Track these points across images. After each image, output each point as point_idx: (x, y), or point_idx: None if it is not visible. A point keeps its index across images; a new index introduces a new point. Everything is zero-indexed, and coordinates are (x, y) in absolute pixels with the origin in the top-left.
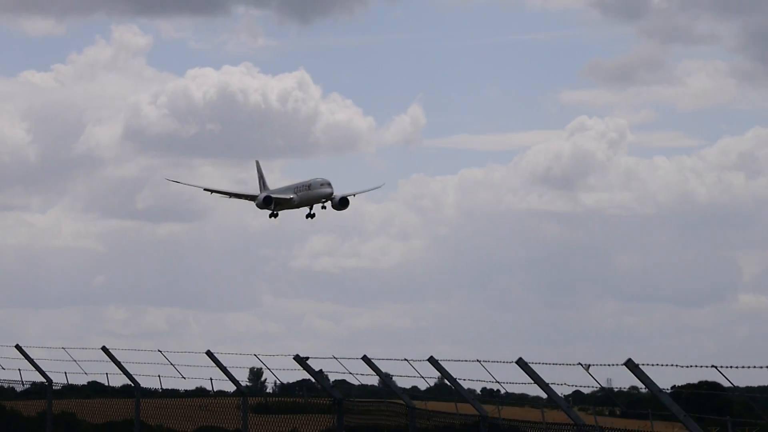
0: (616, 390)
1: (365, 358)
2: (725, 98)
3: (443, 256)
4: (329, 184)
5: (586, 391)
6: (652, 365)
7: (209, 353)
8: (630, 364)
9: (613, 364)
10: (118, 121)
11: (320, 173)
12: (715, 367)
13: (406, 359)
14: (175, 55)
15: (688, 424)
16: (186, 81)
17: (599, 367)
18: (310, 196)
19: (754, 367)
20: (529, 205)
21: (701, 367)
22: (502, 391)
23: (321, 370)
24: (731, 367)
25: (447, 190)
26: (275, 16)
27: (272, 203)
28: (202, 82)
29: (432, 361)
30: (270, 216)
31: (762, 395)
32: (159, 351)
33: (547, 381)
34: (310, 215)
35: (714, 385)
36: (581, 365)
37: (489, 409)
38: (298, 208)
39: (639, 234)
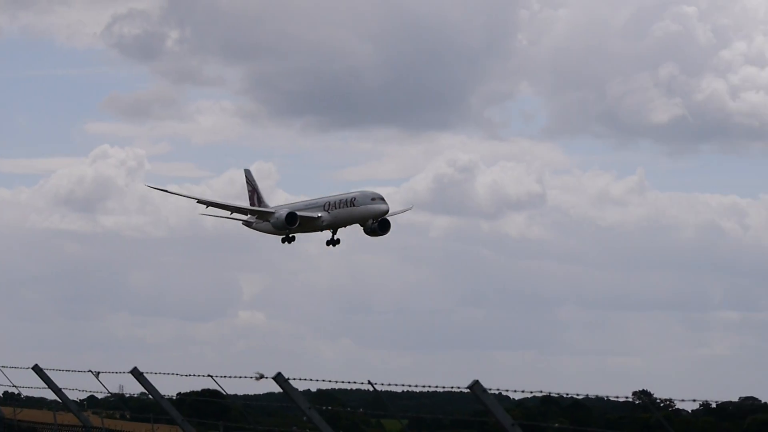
0: (127, 396)
1: None
2: (232, 135)
3: None
4: (383, 199)
5: (100, 396)
6: (157, 374)
7: None
8: (135, 372)
9: (121, 372)
10: None
11: None
12: (211, 376)
13: None
14: None
15: (185, 427)
16: None
17: (110, 374)
18: (353, 215)
19: (244, 377)
20: (51, 224)
21: (199, 376)
22: (22, 395)
23: None
24: (228, 376)
25: None
26: None
27: (297, 222)
28: None
29: None
30: (283, 241)
31: (257, 403)
32: None
33: (61, 386)
34: (333, 242)
35: (216, 393)
36: (91, 372)
37: (7, 411)
38: (323, 230)
39: (152, 254)
